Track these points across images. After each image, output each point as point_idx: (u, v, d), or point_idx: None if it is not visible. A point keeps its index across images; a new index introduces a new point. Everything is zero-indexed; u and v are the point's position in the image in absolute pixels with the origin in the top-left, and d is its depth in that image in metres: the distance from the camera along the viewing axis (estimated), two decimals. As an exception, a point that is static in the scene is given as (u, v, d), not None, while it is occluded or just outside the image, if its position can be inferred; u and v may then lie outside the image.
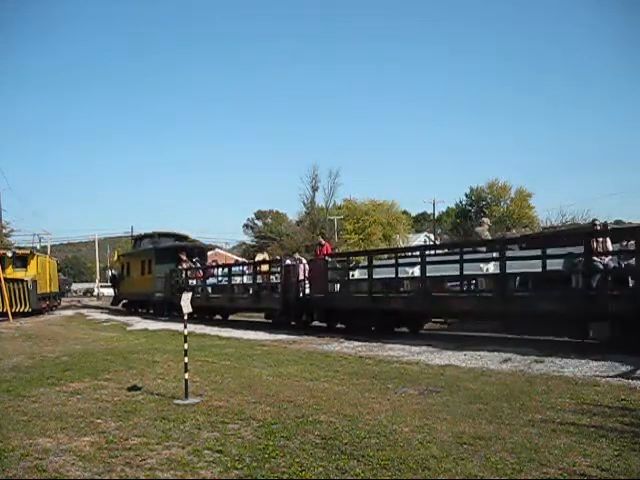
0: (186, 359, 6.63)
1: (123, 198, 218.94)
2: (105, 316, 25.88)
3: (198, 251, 25.00)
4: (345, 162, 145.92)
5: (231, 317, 21.48)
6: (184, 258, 22.52)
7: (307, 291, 15.24)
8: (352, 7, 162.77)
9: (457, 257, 11.37)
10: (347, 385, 7.16)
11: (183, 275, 22.01)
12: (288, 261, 16.36)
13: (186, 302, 6.97)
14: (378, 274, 13.04)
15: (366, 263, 13.85)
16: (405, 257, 13.80)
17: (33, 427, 5.36)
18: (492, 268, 10.72)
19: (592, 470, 3.84)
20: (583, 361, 8.22)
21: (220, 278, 20.13)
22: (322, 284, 14.34)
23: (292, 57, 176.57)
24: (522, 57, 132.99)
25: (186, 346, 6.72)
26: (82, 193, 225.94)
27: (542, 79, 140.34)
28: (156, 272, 23.88)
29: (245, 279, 18.40)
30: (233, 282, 18.75)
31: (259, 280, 17.41)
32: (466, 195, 61.81)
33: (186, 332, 6.86)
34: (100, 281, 67.27)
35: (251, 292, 17.46)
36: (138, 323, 20.37)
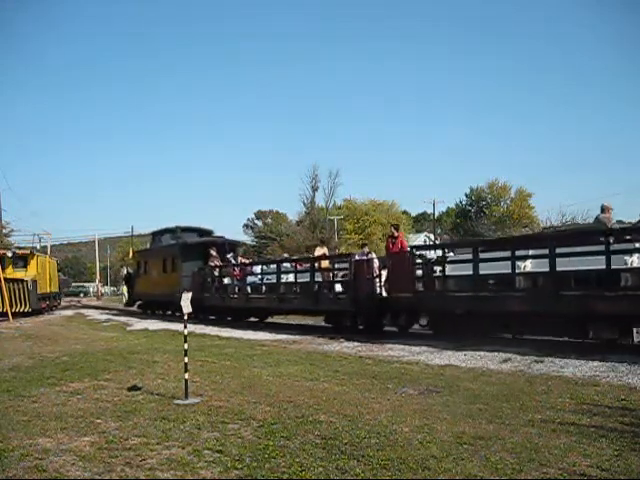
0: (186, 359, 6.63)
1: (123, 198, 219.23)
2: (105, 316, 25.89)
3: (228, 247, 22.19)
4: (345, 162, 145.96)
5: (271, 319, 19.26)
6: (215, 254, 20.34)
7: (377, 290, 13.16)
8: (352, 7, 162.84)
9: (595, 247, 9.25)
10: (347, 385, 7.16)
11: (215, 273, 19.74)
12: (357, 255, 14.41)
13: (186, 302, 6.98)
14: (479, 270, 10.79)
15: (457, 257, 11.89)
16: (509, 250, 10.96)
17: (33, 427, 5.36)
18: (637, 261, 8.91)
19: (592, 470, 3.84)
20: (583, 361, 8.22)
21: (261, 276, 17.66)
22: (407, 282, 12.15)
23: (292, 57, 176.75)
24: (522, 57, 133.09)
25: (186, 346, 6.72)
26: (82, 193, 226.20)
27: (542, 79, 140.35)
28: (182, 270, 21.33)
29: (298, 277, 15.74)
30: (282, 280, 16.32)
31: (318, 278, 14.96)
32: (466, 195, 61.93)
33: (186, 332, 6.86)
34: (100, 281, 67.27)
35: (307, 292, 15.01)
36: (138, 323, 20.37)
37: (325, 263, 15.25)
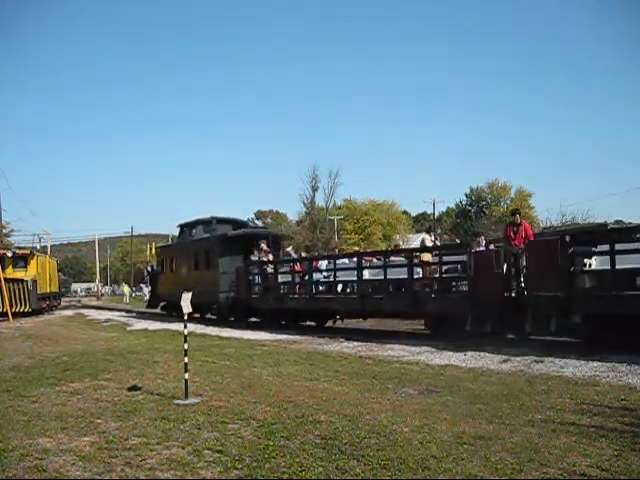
0: (186, 359, 6.63)
1: (123, 198, 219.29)
2: (105, 316, 25.87)
3: (273, 240, 19.63)
4: (345, 162, 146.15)
5: (331, 324, 16.30)
6: (266, 248, 17.76)
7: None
8: (352, 7, 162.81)
9: None
10: (347, 385, 7.16)
11: (269, 269, 17.17)
12: (476, 246, 12.07)
13: (186, 302, 6.98)
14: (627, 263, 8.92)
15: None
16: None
17: (33, 427, 5.36)
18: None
19: (592, 470, 3.84)
20: (583, 361, 8.22)
21: (327, 273, 15.29)
22: (553, 277, 9.68)
23: (292, 57, 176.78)
24: (522, 57, 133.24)
25: (186, 346, 6.72)
26: (82, 193, 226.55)
27: (542, 79, 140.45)
28: (221, 266, 18.65)
29: (387, 273, 13.08)
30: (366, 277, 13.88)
31: (418, 274, 12.60)
32: (466, 195, 61.88)
33: (186, 332, 6.86)
34: (100, 281, 67.24)
35: (403, 290, 12.82)
36: (138, 323, 20.37)
37: (427, 256, 12.85)
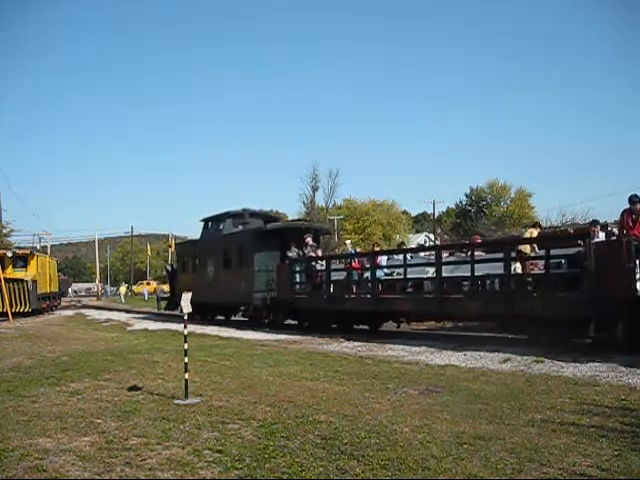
0: (186, 359, 6.63)
1: (123, 198, 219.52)
2: (105, 316, 25.86)
3: (314, 233, 17.74)
4: (345, 162, 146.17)
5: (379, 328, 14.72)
6: (313, 243, 16.25)
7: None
8: (353, 7, 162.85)
9: None
10: (347, 385, 7.16)
11: (319, 266, 15.32)
12: (596, 237, 10.02)
13: (186, 302, 6.98)
14: None
15: None
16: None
17: (33, 427, 5.36)
18: None
19: (592, 470, 3.84)
20: (583, 361, 8.22)
21: (388, 270, 13.71)
22: None
23: (292, 57, 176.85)
24: (522, 57, 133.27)
25: (186, 346, 6.72)
26: (82, 193, 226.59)
27: (542, 79, 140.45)
28: (257, 264, 16.66)
29: (465, 269, 11.52)
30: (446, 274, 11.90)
31: (515, 270, 10.86)
32: (466, 195, 61.78)
33: (186, 332, 6.85)
34: (100, 281, 67.22)
35: (494, 290, 11.27)
36: (138, 323, 20.38)
37: (526, 248, 10.89)
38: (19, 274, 25.60)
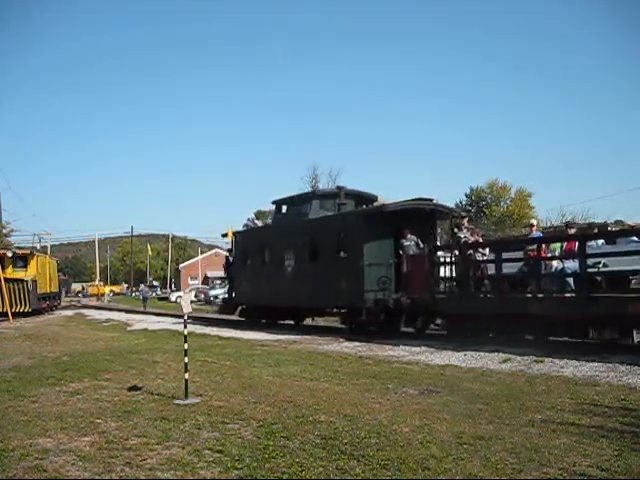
0: (186, 359, 6.63)
1: (123, 198, 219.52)
2: (105, 316, 25.87)
3: (440, 216, 14.98)
4: (345, 162, 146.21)
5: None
6: (468, 225, 13.58)
7: None
8: (353, 7, 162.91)
9: None
10: (347, 385, 7.16)
11: (478, 256, 12.01)
12: None
13: (186, 302, 6.99)
14: None
15: None
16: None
17: (33, 427, 5.35)
18: None
19: (592, 470, 3.84)
20: (583, 361, 8.21)
21: (591, 261, 9.89)
22: None
23: (292, 57, 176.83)
24: (522, 57, 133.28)
25: (186, 346, 6.72)
26: (82, 193, 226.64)
27: (542, 79, 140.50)
28: (367, 256, 13.01)
29: None
30: None
31: None
32: (466, 195, 61.72)
33: (186, 332, 6.86)
34: (100, 280, 67.20)
35: None
36: (138, 323, 20.37)
37: None
38: (19, 274, 25.61)
